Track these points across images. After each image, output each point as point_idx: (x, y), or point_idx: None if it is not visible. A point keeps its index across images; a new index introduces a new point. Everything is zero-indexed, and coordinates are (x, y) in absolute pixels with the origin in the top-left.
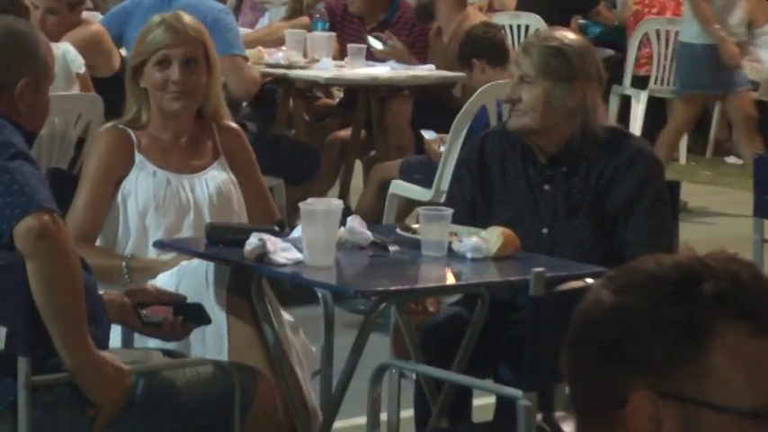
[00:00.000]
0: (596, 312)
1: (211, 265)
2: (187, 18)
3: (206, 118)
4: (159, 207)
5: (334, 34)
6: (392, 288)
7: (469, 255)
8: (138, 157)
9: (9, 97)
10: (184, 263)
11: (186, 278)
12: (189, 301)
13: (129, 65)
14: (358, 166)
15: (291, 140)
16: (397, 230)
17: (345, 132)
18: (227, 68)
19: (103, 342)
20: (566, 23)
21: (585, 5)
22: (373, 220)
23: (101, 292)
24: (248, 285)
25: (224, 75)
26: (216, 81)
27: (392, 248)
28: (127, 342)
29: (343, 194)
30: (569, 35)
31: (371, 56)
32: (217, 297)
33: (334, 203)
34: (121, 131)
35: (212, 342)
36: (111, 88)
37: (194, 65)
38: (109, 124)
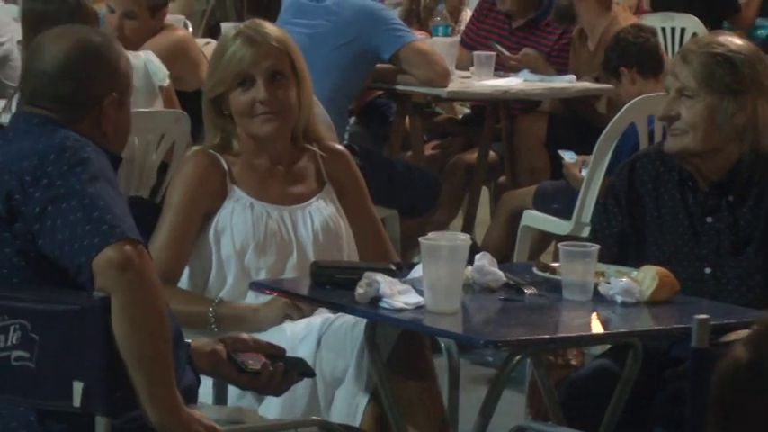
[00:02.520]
0: (731, 371)
1: (360, 320)
2: (268, 27)
3: (298, 138)
4: (259, 245)
5: (457, 40)
6: (528, 337)
7: (619, 299)
8: (231, 187)
9: (93, 117)
10: (318, 318)
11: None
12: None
13: (207, 96)
14: (485, 193)
15: (407, 164)
16: (534, 270)
17: (470, 155)
18: (410, 58)
19: (192, 396)
20: (717, 26)
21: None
22: (503, 256)
23: (188, 340)
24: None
25: (409, 66)
26: (307, 94)
27: (528, 291)
28: (219, 396)
29: (468, 227)
30: (736, 40)
31: (501, 65)
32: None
33: (460, 238)
34: (211, 157)
35: (342, 406)
36: (197, 104)
37: (281, 79)
38: (196, 147)
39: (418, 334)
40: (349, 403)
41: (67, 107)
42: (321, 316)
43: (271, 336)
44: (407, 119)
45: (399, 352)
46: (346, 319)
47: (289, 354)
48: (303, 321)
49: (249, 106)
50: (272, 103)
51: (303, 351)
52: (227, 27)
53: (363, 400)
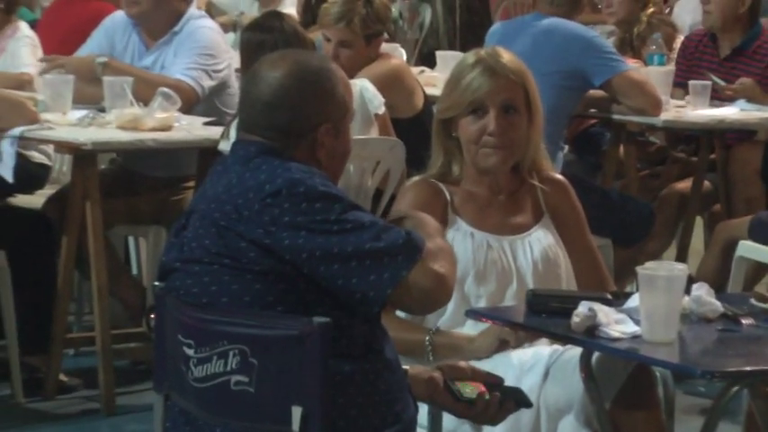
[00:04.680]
0: None
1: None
2: (506, 56)
3: (522, 170)
4: (479, 274)
5: (672, 69)
6: (746, 368)
7: None
8: (453, 216)
9: (307, 145)
10: (547, 348)
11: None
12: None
13: (438, 117)
14: (698, 223)
15: (621, 194)
16: (751, 300)
17: (684, 184)
18: (623, 86)
19: (410, 424)
20: None
21: None
22: (717, 287)
23: (405, 366)
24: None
25: (622, 95)
26: (537, 131)
27: (745, 321)
28: (435, 424)
29: (682, 256)
30: None
31: (716, 94)
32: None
33: (677, 268)
34: (433, 186)
35: None
36: (412, 131)
37: (513, 113)
38: (417, 178)
39: (649, 368)
40: None
41: (283, 135)
42: (551, 347)
43: (497, 363)
44: (621, 147)
45: (630, 385)
46: (576, 351)
47: (514, 383)
48: (531, 350)
49: (478, 135)
50: (500, 137)
51: (529, 380)
52: (443, 54)
53: None
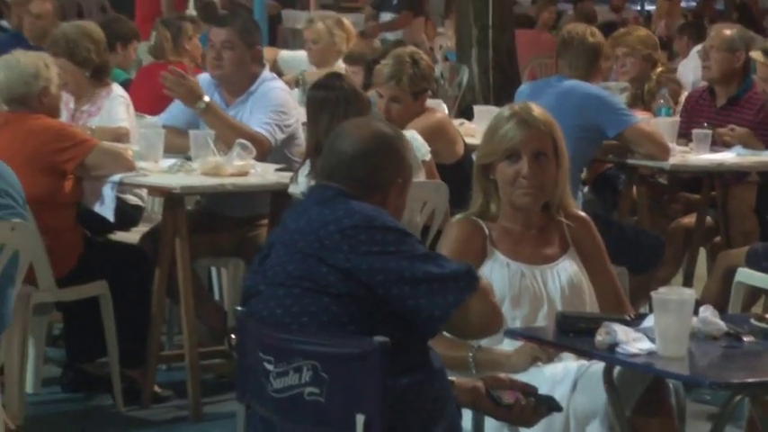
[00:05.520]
0: None
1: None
2: (536, 110)
3: (551, 208)
4: (514, 299)
5: (678, 119)
6: (749, 380)
7: None
8: (491, 249)
9: (379, 198)
10: (574, 363)
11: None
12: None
13: (478, 162)
14: (702, 253)
15: (635, 228)
16: (751, 320)
17: (689, 219)
18: (634, 137)
19: (456, 428)
20: None
21: None
22: (719, 309)
23: (451, 378)
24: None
25: (634, 143)
26: (564, 174)
27: (746, 339)
28: (477, 427)
29: (688, 282)
30: None
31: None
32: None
33: (686, 293)
34: (474, 223)
35: None
36: (454, 175)
37: (544, 159)
38: (460, 215)
39: (663, 380)
40: None
41: (359, 186)
42: (577, 362)
43: (531, 377)
44: (634, 188)
45: (647, 395)
46: (600, 366)
47: (546, 393)
48: (560, 365)
49: (513, 178)
50: (532, 179)
51: (560, 391)
52: (480, 109)
53: None
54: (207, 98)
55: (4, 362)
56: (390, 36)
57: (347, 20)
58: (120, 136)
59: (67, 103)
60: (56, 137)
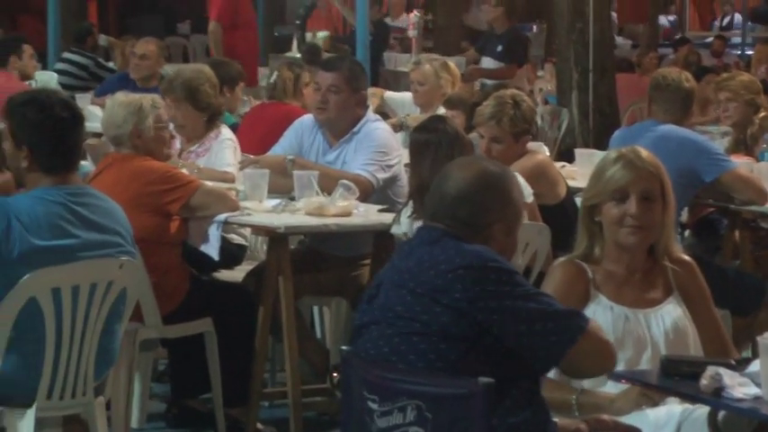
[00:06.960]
0: None
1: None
2: (644, 153)
3: (656, 251)
4: (618, 342)
5: None
6: None
7: None
8: (595, 292)
9: (483, 238)
10: (678, 407)
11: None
12: None
13: (584, 204)
14: None
15: (736, 271)
16: None
17: None
18: (731, 182)
19: None
20: None
21: None
22: None
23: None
24: None
25: (731, 189)
26: (670, 218)
27: None
28: None
29: None
30: None
31: None
32: None
33: None
34: (577, 266)
35: None
36: (556, 217)
37: (651, 201)
38: (564, 258)
39: None
40: None
41: (463, 226)
42: (681, 406)
43: (634, 419)
44: (737, 233)
45: None
46: (704, 410)
47: None
48: (664, 409)
49: (620, 218)
50: (640, 219)
51: None
52: (581, 152)
53: None
54: (291, 156)
55: (111, 397)
56: (489, 82)
57: (452, 63)
58: (226, 180)
59: (174, 142)
60: (160, 179)
